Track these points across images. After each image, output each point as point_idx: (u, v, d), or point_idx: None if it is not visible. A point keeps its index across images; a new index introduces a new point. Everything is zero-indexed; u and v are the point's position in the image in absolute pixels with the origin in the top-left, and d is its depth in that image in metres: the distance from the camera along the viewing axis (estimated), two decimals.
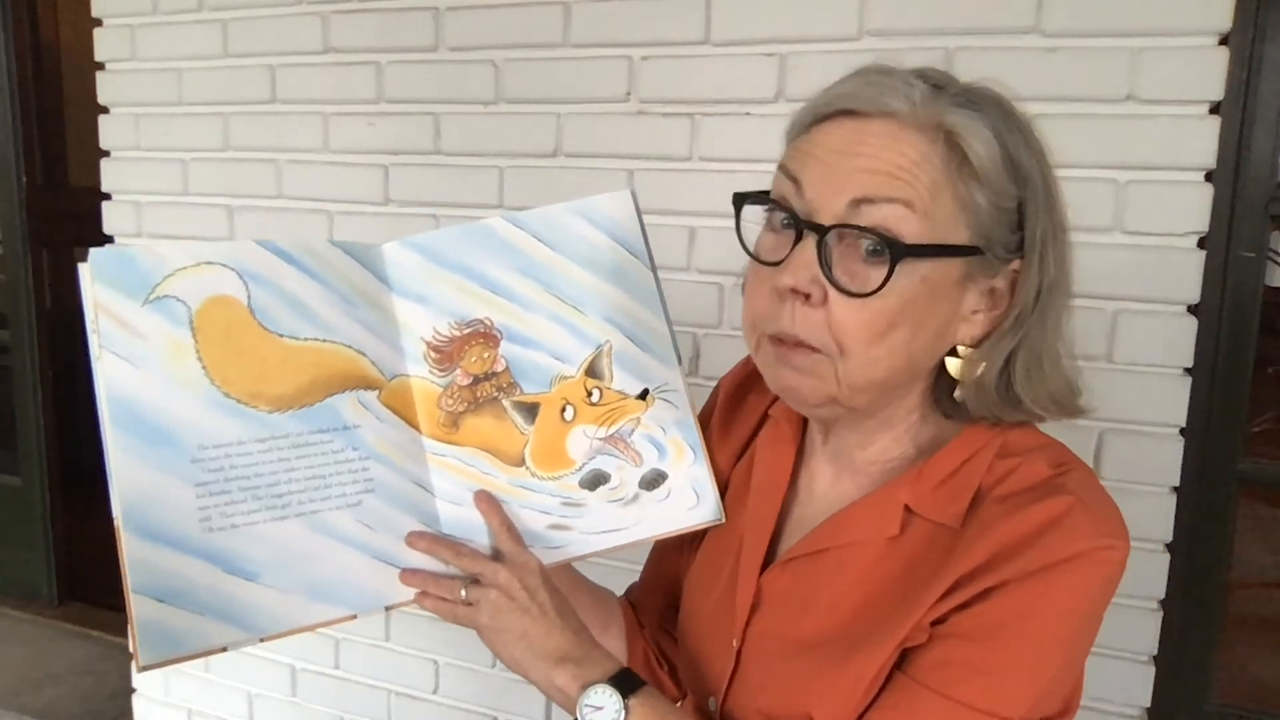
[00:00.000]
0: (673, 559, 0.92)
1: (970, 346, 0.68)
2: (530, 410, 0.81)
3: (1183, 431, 1.34)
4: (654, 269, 0.84)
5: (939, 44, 1.36)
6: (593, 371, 0.82)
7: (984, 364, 0.67)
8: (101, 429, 0.68)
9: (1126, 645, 1.39)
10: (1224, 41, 1.26)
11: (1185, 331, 1.31)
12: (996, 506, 0.65)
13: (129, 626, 0.67)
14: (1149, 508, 1.35)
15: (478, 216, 1.68)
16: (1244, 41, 1.26)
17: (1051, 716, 0.66)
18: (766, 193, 0.68)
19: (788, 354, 0.66)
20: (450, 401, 0.79)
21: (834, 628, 0.69)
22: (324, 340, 0.75)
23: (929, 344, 0.66)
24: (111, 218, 2.05)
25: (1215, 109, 1.27)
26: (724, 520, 0.82)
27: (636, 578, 0.99)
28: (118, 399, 0.69)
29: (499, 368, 0.80)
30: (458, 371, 0.80)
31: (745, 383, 0.88)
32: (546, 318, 0.81)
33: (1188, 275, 1.30)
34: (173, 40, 1.92)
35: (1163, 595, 1.37)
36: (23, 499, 3.01)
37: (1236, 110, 1.27)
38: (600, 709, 0.67)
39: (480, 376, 0.80)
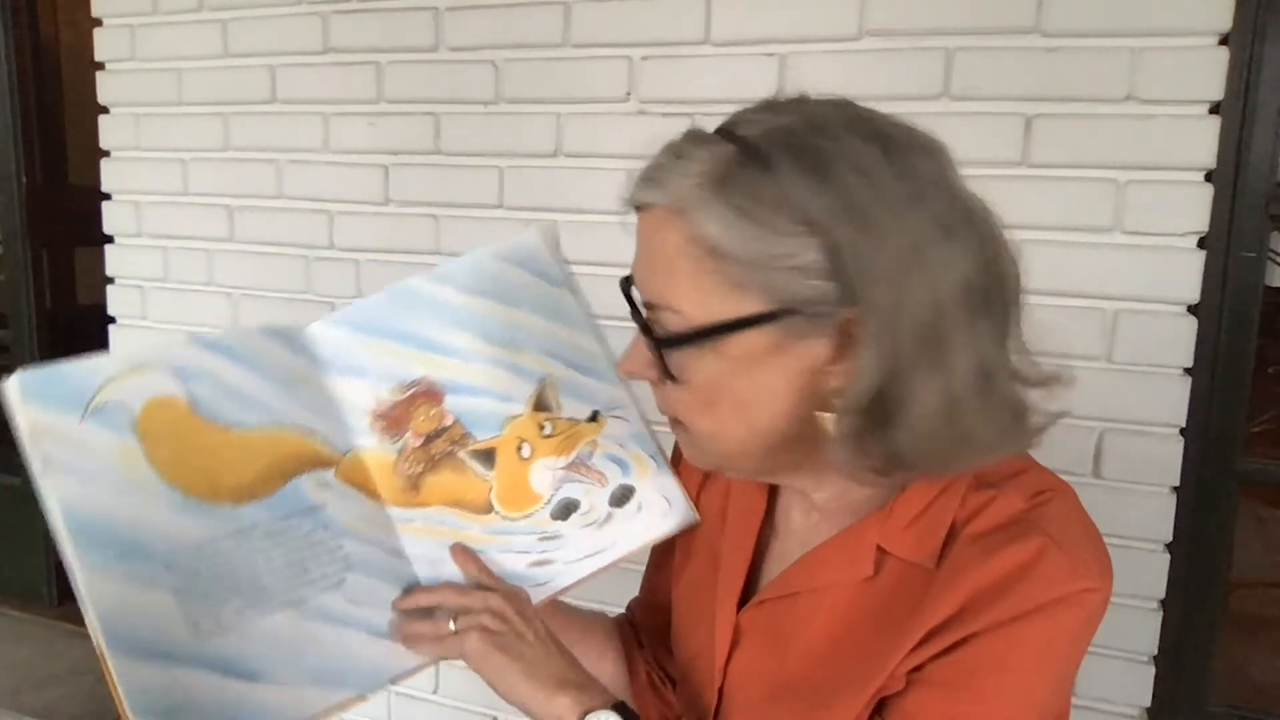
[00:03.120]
0: (664, 577, 0.91)
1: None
2: (487, 456, 0.81)
3: (1183, 431, 1.34)
4: (577, 293, 0.85)
5: (939, 44, 1.36)
6: (540, 405, 0.82)
7: (842, 416, 0.59)
8: (61, 552, 0.65)
9: (1126, 645, 1.39)
10: (1224, 41, 1.26)
11: (1185, 331, 1.31)
12: (969, 548, 0.61)
13: None
14: (1149, 508, 1.35)
15: (478, 216, 1.69)
16: (1244, 41, 1.26)
17: None
18: None
19: (673, 428, 0.69)
20: (406, 465, 0.79)
21: (811, 673, 0.67)
22: (271, 426, 0.74)
23: (770, 410, 0.61)
24: (111, 218, 2.05)
25: (1215, 109, 1.27)
26: (699, 520, 0.82)
27: (625, 589, 0.98)
28: (75, 518, 0.65)
29: (448, 422, 0.80)
30: (409, 434, 0.79)
31: None
32: (485, 364, 0.81)
33: (1188, 275, 1.30)
34: (173, 40, 1.92)
35: (1163, 595, 1.37)
36: (23, 499, 3.01)
37: (1236, 110, 1.27)
38: None
39: (431, 434, 0.80)
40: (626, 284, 0.66)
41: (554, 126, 1.62)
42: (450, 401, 0.80)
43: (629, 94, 1.56)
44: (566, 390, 0.83)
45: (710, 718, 0.75)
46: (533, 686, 0.69)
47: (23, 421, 0.65)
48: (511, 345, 0.82)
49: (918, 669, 0.62)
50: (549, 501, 0.81)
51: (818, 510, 0.71)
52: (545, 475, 0.81)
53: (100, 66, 2.01)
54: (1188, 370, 1.33)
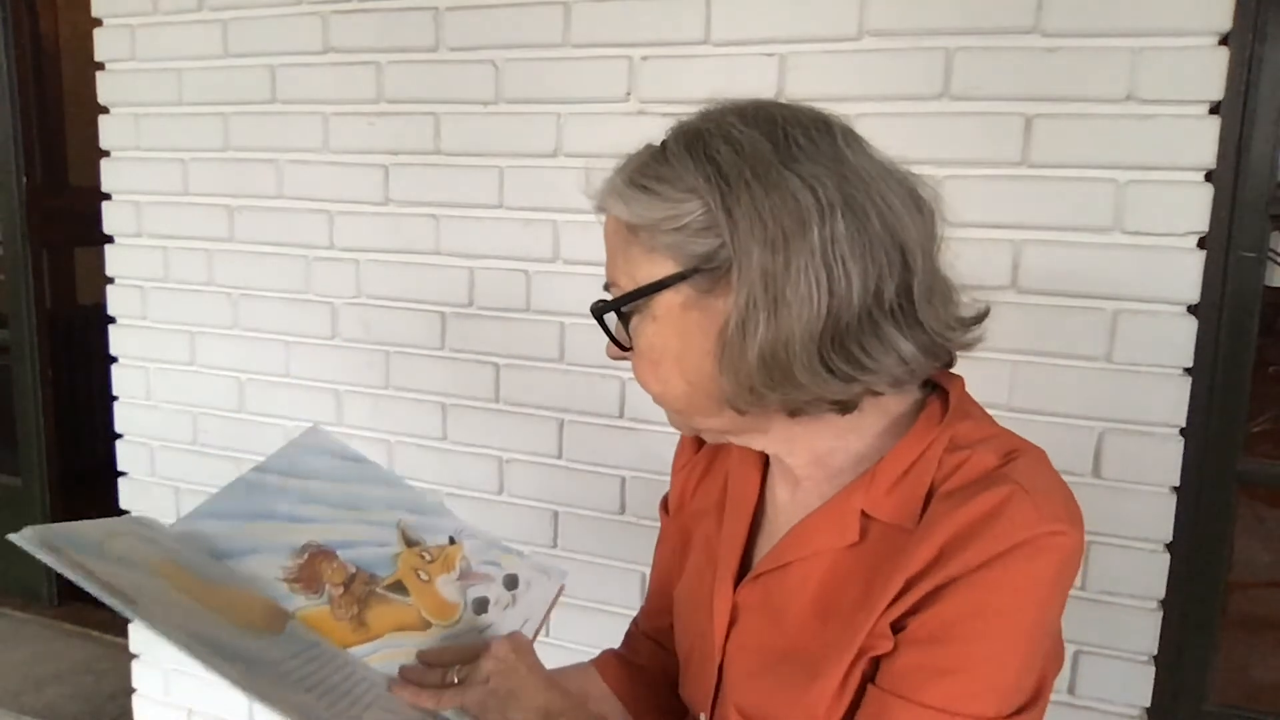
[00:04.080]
0: (664, 585, 0.94)
1: None
2: (399, 588, 0.89)
3: (1183, 431, 1.34)
4: (374, 462, 0.97)
5: (939, 44, 1.36)
6: (409, 542, 0.92)
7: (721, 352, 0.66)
8: (218, 672, 0.66)
9: (1126, 645, 1.39)
10: (1224, 41, 1.26)
11: (1185, 331, 1.31)
12: (942, 503, 0.65)
13: None
14: (1149, 508, 1.35)
15: (478, 216, 1.69)
16: (1244, 41, 1.26)
17: (1023, 705, 0.66)
18: None
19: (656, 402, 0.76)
20: (342, 610, 0.84)
21: (803, 640, 0.70)
22: (237, 584, 0.79)
23: (700, 365, 0.68)
24: (111, 218, 2.05)
25: (1215, 109, 1.27)
26: (566, 573, 0.97)
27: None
28: (201, 640, 0.67)
29: (352, 570, 0.87)
30: (327, 586, 0.85)
31: None
32: (347, 524, 0.90)
33: (1188, 275, 1.30)
34: (173, 40, 1.92)
35: (1163, 595, 1.37)
36: (23, 499, 3.01)
37: (1236, 110, 1.27)
38: None
39: (346, 582, 0.86)
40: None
41: (554, 126, 1.61)
42: (342, 554, 0.88)
43: (629, 94, 1.56)
44: (420, 528, 0.94)
45: (711, 696, 0.77)
46: (522, 716, 0.77)
47: (68, 563, 0.67)
48: (355, 507, 0.92)
49: (900, 625, 0.64)
50: (466, 605, 0.91)
51: (800, 484, 0.75)
52: (450, 588, 0.91)
53: (100, 66, 2.01)
54: (1188, 370, 1.32)
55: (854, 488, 0.70)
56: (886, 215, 0.64)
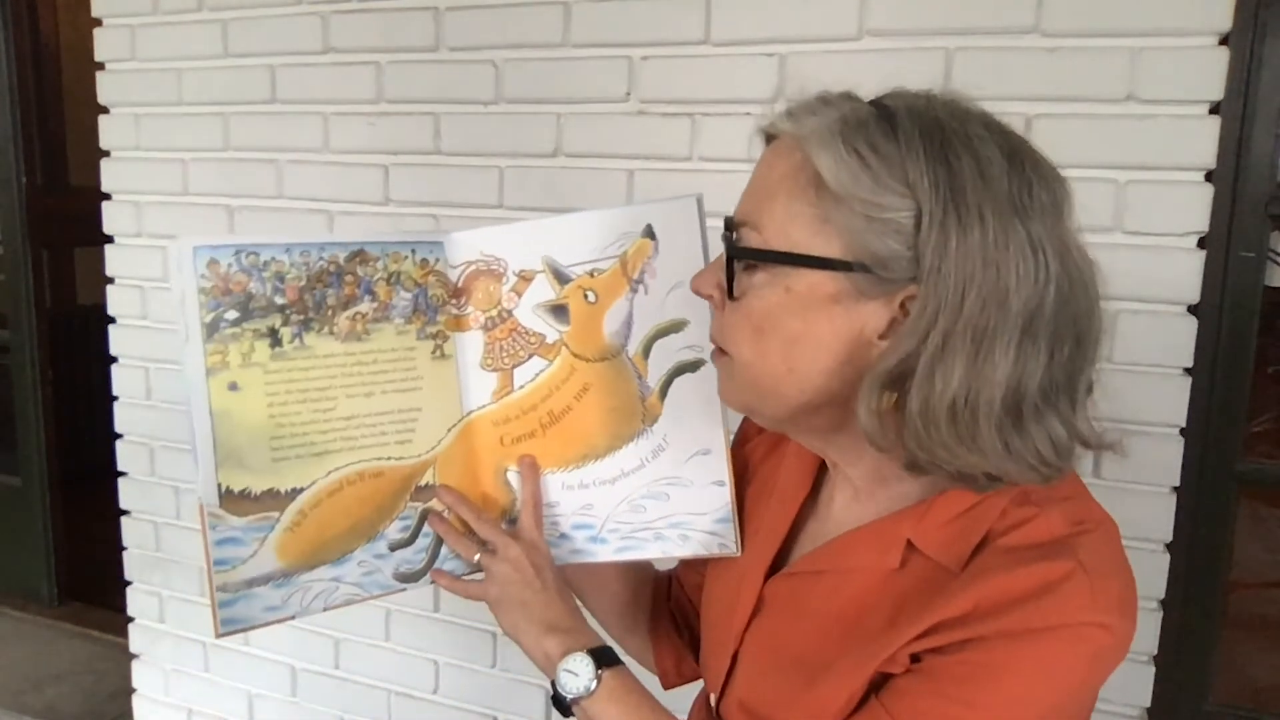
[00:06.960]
0: None
1: None
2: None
3: (1183, 431, 1.34)
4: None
5: (939, 44, 1.36)
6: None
7: (883, 394, 0.61)
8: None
9: None
10: (1224, 41, 1.26)
11: (1185, 331, 1.31)
12: (997, 557, 0.61)
13: None
14: (1149, 508, 1.35)
15: (478, 217, 1.69)
16: (1244, 41, 1.26)
17: None
18: None
19: (715, 358, 0.72)
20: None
21: (819, 650, 0.68)
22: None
23: (814, 358, 0.63)
24: (111, 218, 2.05)
25: (1215, 109, 1.27)
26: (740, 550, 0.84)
27: None
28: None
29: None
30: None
31: None
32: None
33: (1188, 275, 1.30)
34: (173, 40, 1.92)
35: (1163, 595, 1.37)
36: (23, 499, 3.01)
37: (1236, 110, 1.27)
38: (575, 675, 0.73)
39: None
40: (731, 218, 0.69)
41: (554, 126, 1.61)
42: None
43: (629, 94, 1.56)
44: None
45: (722, 680, 0.78)
46: (528, 627, 0.77)
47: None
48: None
49: (916, 658, 0.62)
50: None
51: (859, 499, 0.72)
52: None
53: (100, 66, 2.01)
54: (1188, 370, 1.32)
55: (906, 514, 0.67)
56: (1083, 297, 0.60)
